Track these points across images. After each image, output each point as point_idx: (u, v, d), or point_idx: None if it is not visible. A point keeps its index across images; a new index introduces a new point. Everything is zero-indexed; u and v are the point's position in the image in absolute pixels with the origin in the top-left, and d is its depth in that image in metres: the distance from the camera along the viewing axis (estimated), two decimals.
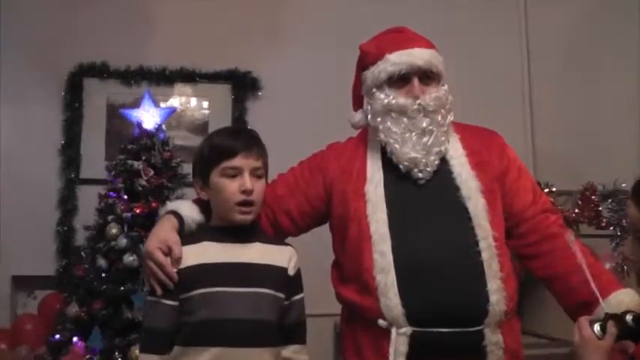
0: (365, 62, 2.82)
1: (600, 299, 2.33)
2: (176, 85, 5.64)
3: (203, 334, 2.47)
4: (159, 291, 2.51)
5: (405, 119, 2.66)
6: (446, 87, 2.74)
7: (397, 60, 2.69)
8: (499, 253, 2.57)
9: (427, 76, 2.71)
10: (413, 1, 5.81)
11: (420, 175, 2.65)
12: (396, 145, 2.66)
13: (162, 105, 5.38)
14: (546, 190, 4.66)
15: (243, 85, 5.67)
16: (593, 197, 4.65)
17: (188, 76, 5.63)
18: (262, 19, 5.73)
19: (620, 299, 2.50)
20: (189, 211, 2.69)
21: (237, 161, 2.57)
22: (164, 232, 2.59)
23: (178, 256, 2.52)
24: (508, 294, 2.54)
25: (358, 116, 2.89)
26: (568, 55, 5.70)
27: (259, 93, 5.68)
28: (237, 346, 2.46)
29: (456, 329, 2.47)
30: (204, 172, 2.63)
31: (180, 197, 4.40)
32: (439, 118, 2.67)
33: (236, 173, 2.57)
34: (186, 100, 5.66)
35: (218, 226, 2.64)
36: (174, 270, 2.50)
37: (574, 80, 5.57)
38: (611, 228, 4.59)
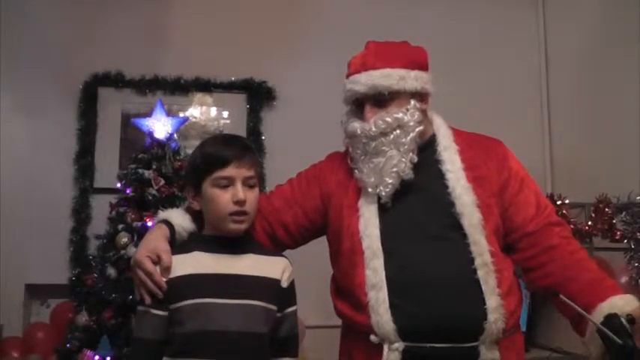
0: None
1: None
2: (191, 95, 5.65)
3: (192, 345, 2.44)
4: (148, 300, 2.48)
5: (358, 144, 2.66)
6: (412, 103, 2.67)
7: (347, 87, 2.70)
8: (497, 269, 2.50)
9: (378, 99, 2.66)
10: (430, 11, 5.81)
11: (383, 193, 2.60)
12: (356, 171, 2.67)
13: (181, 114, 5.41)
14: (559, 202, 4.61)
15: (258, 95, 5.70)
16: (606, 209, 4.60)
17: (203, 86, 5.67)
18: (277, 30, 5.75)
19: (614, 303, 2.41)
20: (180, 220, 2.67)
21: (229, 171, 2.53)
22: (154, 240, 2.57)
23: (167, 264, 2.49)
24: (508, 311, 2.48)
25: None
26: (585, 69, 5.65)
27: (274, 103, 5.71)
28: (227, 358, 2.42)
29: (450, 345, 2.43)
30: (196, 182, 2.60)
31: None
32: (391, 137, 2.62)
33: (228, 183, 2.53)
34: (201, 110, 5.66)
35: (210, 236, 2.61)
36: (164, 279, 2.48)
37: (590, 93, 5.53)
38: (625, 241, 4.53)
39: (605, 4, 5.67)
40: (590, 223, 4.61)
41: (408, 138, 2.62)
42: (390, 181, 2.59)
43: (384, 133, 2.61)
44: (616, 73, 5.35)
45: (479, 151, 2.75)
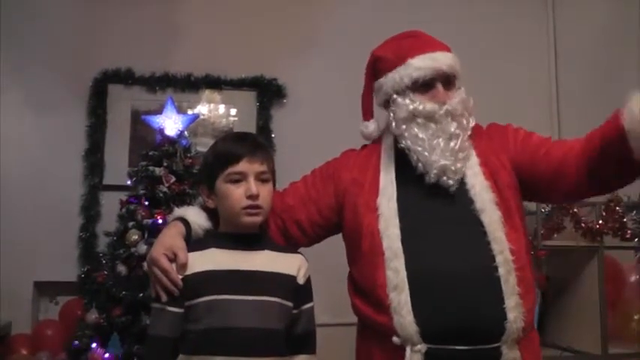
0: (380, 68, 2.76)
1: None
2: (201, 92, 5.65)
3: (208, 342, 2.43)
4: (164, 298, 2.48)
5: (432, 125, 2.60)
6: (462, 89, 2.69)
7: (421, 65, 2.63)
8: (517, 266, 2.47)
9: (448, 81, 2.66)
10: (439, 10, 5.82)
11: (451, 182, 2.58)
12: (425, 153, 2.59)
13: (190, 111, 5.42)
14: None
15: (268, 93, 5.69)
16: (617, 208, 4.59)
17: (213, 83, 5.66)
18: (288, 27, 5.75)
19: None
20: (196, 217, 2.66)
21: (242, 166, 2.53)
22: (170, 238, 2.57)
23: (183, 262, 2.48)
24: (526, 309, 2.45)
25: (372, 126, 2.86)
26: (595, 68, 5.64)
27: (284, 100, 5.70)
28: (243, 355, 2.42)
29: (472, 346, 2.40)
30: (209, 179, 2.61)
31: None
32: (464, 121, 2.63)
33: (241, 178, 2.53)
34: (211, 107, 5.66)
35: (226, 233, 2.61)
36: (180, 276, 2.47)
37: (600, 93, 5.52)
38: (636, 240, 4.53)
39: (615, 5, 5.67)
40: (600, 221, 4.59)
41: (470, 125, 2.66)
42: (460, 165, 2.60)
43: (460, 115, 2.62)
44: (626, 73, 5.34)
45: (484, 138, 2.75)
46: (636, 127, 2.26)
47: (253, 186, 2.53)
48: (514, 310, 2.41)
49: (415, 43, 2.72)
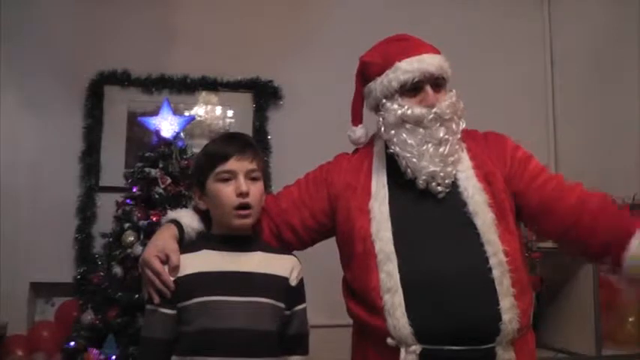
0: (369, 73, 2.76)
1: None
2: (197, 94, 5.65)
3: (201, 344, 2.44)
4: (156, 299, 2.50)
5: (421, 130, 2.60)
6: (454, 92, 2.69)
7: (409, 67, 2.63)
8: (511, 268, 2.48)
9: (437, 84, 2.66)
10: (437, 11, 5.82)
11: (439, 188, 2.58)
12: (414, 160, 2.59)
13: (187, 113, 5.42)
14: None
15: (264, 94, 5.68)
16: None
17: (209, 85, 5.64)
18: (284, 28, 5.74)
19: None
20: (189, 219, 2.68)
21: (231, 164, 2.55)
22: (162, 240, 2.58)
23: (176, 264, 2.50)
24: (521, 310, 2.46)
25: (359, 132, 2.87)
26: (591, 69, 5.64)
27: (281, 102, 5.69)
28: (236, 356, 2.43)
29: (467, 347, 2.40)
30: (200, 180, 2.62)
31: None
32: (453, 125, 2.62)
33: (230, 177, 2.55)
34: (207, 109, 5.66)
35: (218, 235, 2.62)
36: (172, 278, 2.49)
37: (596, 94, 5.52)
38: None
39: (611, 4, 5.67)
40: None
41: (460, 128, 2.66)
42: (454, 172, 2.61)
43: (449, 119, 2.61)
44: (622, 73, 5.34)
45: (482, 145, 2.77)
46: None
47: (243, 184, 2.54)
48: (509, 312, 2.42)
49: (403, 46, 2.72)
